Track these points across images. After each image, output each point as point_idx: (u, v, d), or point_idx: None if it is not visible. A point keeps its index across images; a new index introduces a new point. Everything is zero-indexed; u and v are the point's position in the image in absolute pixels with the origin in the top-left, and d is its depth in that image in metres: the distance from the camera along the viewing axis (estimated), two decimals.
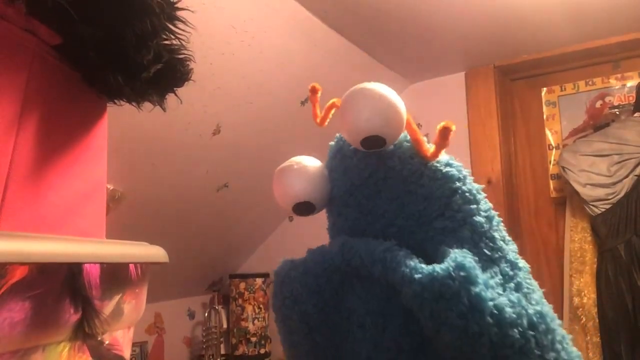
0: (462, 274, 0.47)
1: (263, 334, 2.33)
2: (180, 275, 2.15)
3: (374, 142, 0.55)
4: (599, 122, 1.87)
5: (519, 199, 2.07)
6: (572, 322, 1.72)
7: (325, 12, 1.54)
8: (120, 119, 1.19)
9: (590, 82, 1.95)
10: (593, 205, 1.65)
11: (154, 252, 0.74)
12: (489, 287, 0.48)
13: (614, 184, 1.63)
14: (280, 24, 1.51)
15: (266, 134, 1.86)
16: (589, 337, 1.64)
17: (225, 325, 2.38)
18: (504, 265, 0.54)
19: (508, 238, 0.58)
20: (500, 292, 0.50)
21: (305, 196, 0.62)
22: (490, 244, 0.55)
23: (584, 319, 1.66)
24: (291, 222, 2.48)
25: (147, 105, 0.81)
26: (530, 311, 0.48)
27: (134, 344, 1.85)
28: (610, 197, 1.63)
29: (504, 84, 2.10)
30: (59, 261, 0.54)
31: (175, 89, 0.82)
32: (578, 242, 1.73)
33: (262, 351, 2.31)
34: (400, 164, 0.59)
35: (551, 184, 2.00)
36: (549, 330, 0.48)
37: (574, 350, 0.52)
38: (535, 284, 0.56)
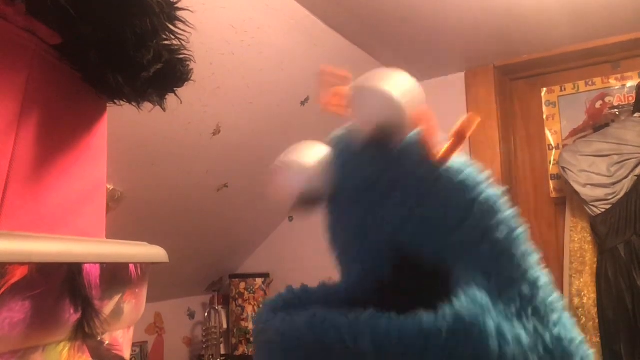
0: (467, 320, 0.42)
1: None
2: (180, 275, 2.15)
3: (388, 131, 0.51)
4: (598, 122, 1.87)
5: (519, 199, 2.07)
6: None
7: (325, 12, 1.54)
8: (120, 119, 1.19)
9: (590, 82, 1.95)
10: (593, 206, 1.65)
11: (154, 252, 0.74)
12: (503, 324, 0.44)
13: (614, 184, 1.63)
14: (280, 24, 1.51)
15: (266, 134, 1.86)
16: (589, 337, 1.64)
17: (225, 325, 2.38)
18: (524, 285, 0.50)
19: (530, 249, 0.54)
20: (516, 323, 0.46)
21: (307, 193, 0.57)
22: (511, 262, 0.51)
23: (584, 319, 1.66)
24: (291, 222, 2.48)
25: (147, 105, 0.81)
26: (547, 338, 0.45)
27: (134, 344, 1.85)
28: (610, 197, 1.63)
29: (504, 84, 2.10)
30: (59, 261, 0.54)
31: (175, 89, 0.82)
32: (578, 242, 1.73)
33: None
34: (413, 166, 0.54)
35: (551, 184, 2.00)
36: (567, 354, 0.47)
37: None
38: (555, 298, 0.51)
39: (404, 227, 0.54)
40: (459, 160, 0.55)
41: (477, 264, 0.50)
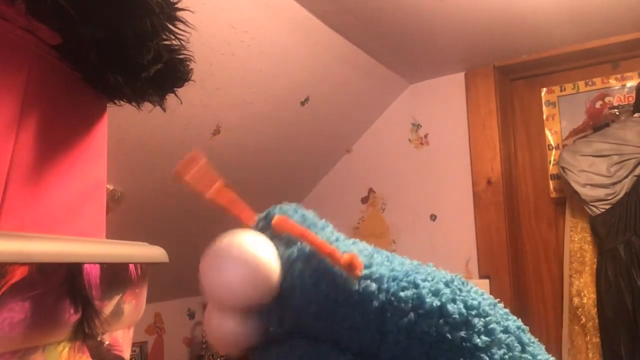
0: None
1: None
2: (180, 275, 2.15)
3: (255, 308, 0.49)
4: (598, 122, 1.87)
5: (519, 199, 2.07)
6: (572, 322, 1.72)
7: (325, 12, 1.54)
8: (120, 119, 1.19)
9: (590, 83, 1.95)
10: (593, 206, 1.65)
11: (154, 252, 0.74)
12: None
13: (614, 184, 1.63)
14: (280, 24, 1.51)
15: (266, 134, 1.86)
16: (589, 337, 1.64)
17: None
18: None
19: (455, 317, 0.48)
20: None
21: (249, 301, 0.50)
22: (445, 358, 0.48)
23: (583, 319, 1.66)
24: None
25: (147, 105, 0.81)
26: None
27: (134, 344, 1.85)
28: (610, 197, 1.63)
29: (504, 84, 2.10)
30: (59, 261, 0.54)
31: (175, 89, 0.82)
32: (578, 242, 1.73)
33: None
34: (306, 301, 0.50)
35: (551, 184, 2.00)
36: None
37: None
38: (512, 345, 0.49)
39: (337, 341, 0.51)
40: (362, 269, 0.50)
41: (415, 358, 0.47)
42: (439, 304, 0.48)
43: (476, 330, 0.47)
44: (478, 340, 0.47)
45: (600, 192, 1.64)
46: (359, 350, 0.50)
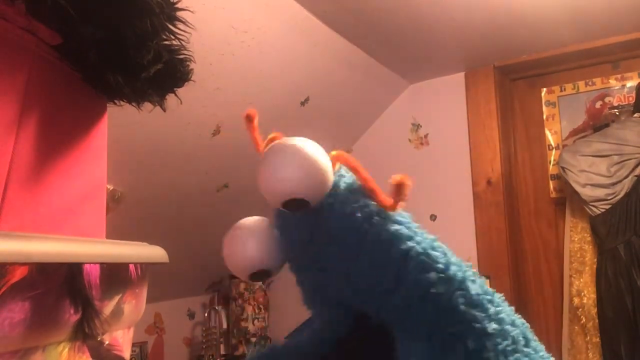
0: None
1: (263, 334, 2.33)
2: (180, 275, 2.15)
3: (295, 205, 0.49)
4: (598, 122, 1.87)
5: (519, 199, 2.07)
6: (572, 322, 1.72)
7: (325, 12, 1.54)
8: (120, 119, 1.19)
9: (590, 83, 1.95)
10: (593, 206, 1.65)
11: (154, 252, 0.74)
12: None
13: (614, 184, 1.63)
14: (280, 24, 1.51)
15: (266, 134, 1.86)
16: (589, 337, 1.64)
17: (225, 326, 2.38)
18: (469, 340, 0.46)
19: (478, 292, 0.49)
20: None
21: (259, 264, 0.56)
22: (453, 317, 0.47)
23: (583, 319, 1.66)
24: None
25: (147, 105, 0.81)
26: None
27: (133, 344, 1.85)
28: (610, 197, 1.63)
29: (504, 84, 2.10)
30: (59, 261, 0.54)
31: (175, 89, 0.82)
32: (578, 242, 1.73)
33: None
34: (339, 225, 0.51)
35: (551, 184, 2.00)
36: None
37: None
38: (511, 342, 0.49)
39: (344, 289, 0.53)
40: (396, 212, 0.51)
41: (418, 324, 0.47)
42: (462, 276, 0.48)
43: (488, 314, 0.48)
44: (487, 324, 0.47)
45: (600, 192, 1.64)
46: (362, 302, 0.51)
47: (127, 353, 0.70)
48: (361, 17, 1.58)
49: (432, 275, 0.47)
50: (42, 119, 0.68)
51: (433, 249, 0.48)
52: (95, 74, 0.72)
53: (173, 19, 0.74)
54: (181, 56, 0.78)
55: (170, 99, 0.83)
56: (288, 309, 2.29)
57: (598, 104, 1.93)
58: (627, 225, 1.59)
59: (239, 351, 2.30)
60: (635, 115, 1.69)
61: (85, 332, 0.58)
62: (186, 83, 0.82)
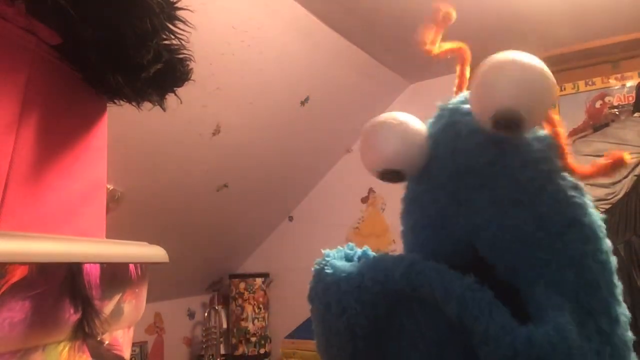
0: (563, 347, 0.40)
1: (263, 334, 2.33)
2: (180, 275, 2.15)
3: (507, 120, 0.45)
4: (598, 122, 1.87)
5: None
6: None
7: (325, 12, 1.54)
8: (120, 119, 1.19)
9: (590, 82, 1.95)
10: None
11: (154, 252, 0.74)
12: None
13: (614, 184, 1.63)
14: (280, 24, 1.51)
15: (266, 134, 1.86)
16: None
17: (225, 325, 2.38)
18: (603, 320, 0.46)
19: (616, 282, 0.50)
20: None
21: (398, 163, 0.51)
22: (595, 295, 0.47)
23: None
24: (291, 222, 2.48)
25: (147, 105, 0.81)
26: None
27: (134, 344, 1.85)
28: (609, 197, 1.63)
29: None
30: (59, 261, 0.54)
31: (175, 88, 0.82)
32: None
33: (262, 351, 2.31)
34: (521, 166, 0.49)
35: None
36: None
37: None
38: (629, 338, 0.49)
39: (484, 230, 0.49)
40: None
41: (559, 290, 0.45)
42: (613, 265, 0.51)
43: (621, 305, 0.50)
44: (619, 313, 0.49)
45: (600, 192, 1.64)
46: (501, 249, 0.48)
47: (127, 353, 0.69)
48: (361, 17, 1.58)
49: (589, 247, 0.48)
50: (42, 119, 0.68)
51: (598, 227, 0.50)
52: (95, 73, 0.72)
53: (173, 18, 0.74)
54: (181, 56, 0.78)
55: (170, 98, 0.83)
56: (288, 309, 2.29)
57: (598, 104, 1.93)
58: (627, 225, 1.58)
59: (239, 351, 2.30)
60: (635, 114, 1.69)
61: (85, 332, 0.58)
62: (186, 83, 0.82)
